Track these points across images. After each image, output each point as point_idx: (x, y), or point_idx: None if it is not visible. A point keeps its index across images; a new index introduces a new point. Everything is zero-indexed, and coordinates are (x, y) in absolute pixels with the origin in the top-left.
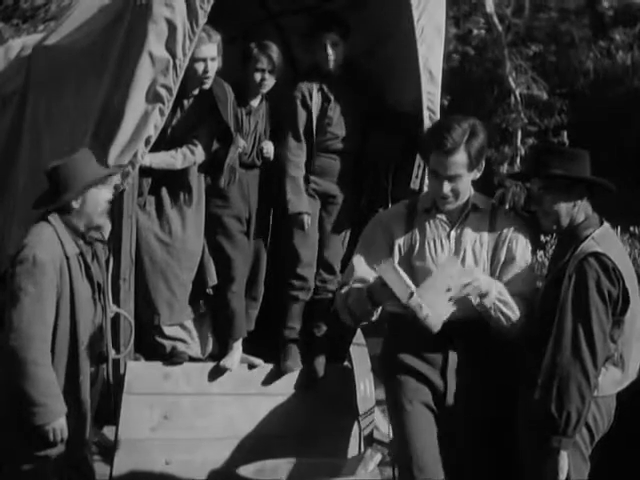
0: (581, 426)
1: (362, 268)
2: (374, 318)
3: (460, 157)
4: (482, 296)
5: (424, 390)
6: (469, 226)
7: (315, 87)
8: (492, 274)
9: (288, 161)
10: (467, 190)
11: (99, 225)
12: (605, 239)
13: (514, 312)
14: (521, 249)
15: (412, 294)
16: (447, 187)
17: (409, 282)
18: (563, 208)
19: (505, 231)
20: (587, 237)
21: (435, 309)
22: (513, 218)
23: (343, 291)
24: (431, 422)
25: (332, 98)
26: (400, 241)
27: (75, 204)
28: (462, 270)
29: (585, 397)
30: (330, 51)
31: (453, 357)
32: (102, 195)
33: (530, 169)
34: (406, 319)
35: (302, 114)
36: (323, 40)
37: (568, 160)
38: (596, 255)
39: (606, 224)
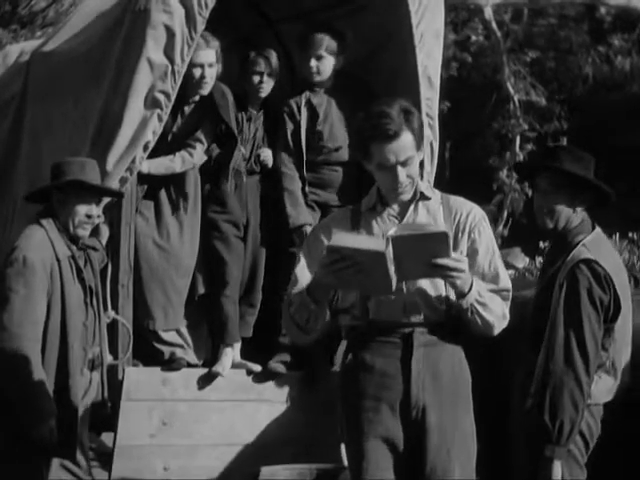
0: (575, 435)
1: (305, 276)
2: (319, 326)
3: (406, 138)
4: (460, 296)
5: (383, 420)
6: (420, 217)
7: (303, 100)
8: None
9: (283, 175)
10: (417, 174)
11: (78, 236)
12: (596, 245)
13: (492, 314)
14: (486, 239)
15: (388, 240)
16: (403, 174)
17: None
18: (565, 210)
19: (464, 219)
20: (578, 243)
21: (402, 269)
22: (470, 205)
23: (286, 302)
24: (387, 458)
25: (321, 111)
26: None
27: (57, 204)
28: (447, 251)
29: (578, 406)
30: (313, 64)
31: (416, 370)
32: (81, 207)
33: (541, 163)
34: (363, 331)
35: (290, 128)
36: (308, 52)
37: (581, 163)
38: (587, 262)
39: (598, 229)
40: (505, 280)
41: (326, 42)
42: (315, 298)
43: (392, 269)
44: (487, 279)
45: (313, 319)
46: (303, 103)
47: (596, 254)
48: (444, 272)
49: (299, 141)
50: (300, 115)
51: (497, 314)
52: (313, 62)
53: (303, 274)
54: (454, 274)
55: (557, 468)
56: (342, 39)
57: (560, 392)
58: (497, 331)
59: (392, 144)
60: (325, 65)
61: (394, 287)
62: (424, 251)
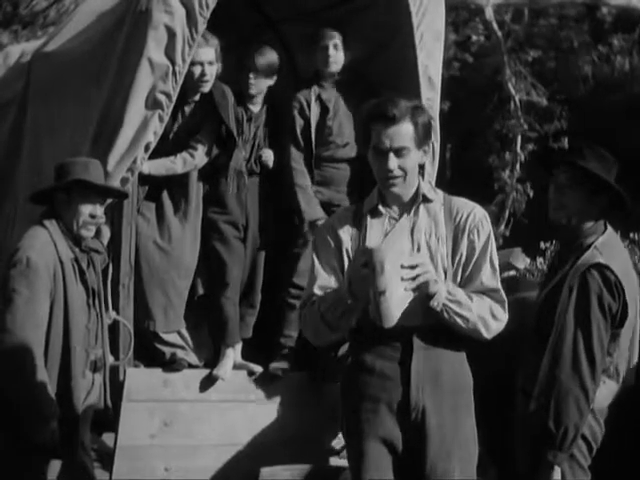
0: (577, 441)
1: (321, 274)
2: (350, 324)
3: (406, 128)
4: (429, 297)
5: (383, 421)
6: (421, 219)
7: (313, 96)
8: (455, 271)
9: (294, 170)
10: (415, 173)
11: (82, 237)
12: (608, 247)
13: (472, 312)
14: (484, 239)
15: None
16: (393, 161)
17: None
18: (578, 208)
19: (464, 220)
20: (590, 245)
21: (392, 290)
22: (472, 206)
23: (314, 301)
24: (387, 459)
25: (331, 107)
26: (348, 245)
27: (60, 205)
28: (410, 252)
29: (583, 412)
30: (331, 52)
31: (416, 372)
32: (85, 207)
33: (564, 156)
34: (364, 333)
35: (300, 124)
36: (324, 41)
37: (604, 164)
38: (599, 267)
39: (609, 230)
40: (493, 281)
41: (337, 34)
42: (353, 293)
43: (379, 287)
44: (480, 280)
45: (347, 315)
46: (313, 99)
47: (607, 258)
48: (419, 278)
49: (309, 137)
50: (310, 111)
51: (480, 313)
52: (332, 51)
53: (319, 273)
54: (418, 271)
55: (557, 473)
56: (347, 35)
57: (566, 398)
58: (486, 331)
59: (389, 128)
60: (340, 55)
61: (385, 317)
62: (394, 259)
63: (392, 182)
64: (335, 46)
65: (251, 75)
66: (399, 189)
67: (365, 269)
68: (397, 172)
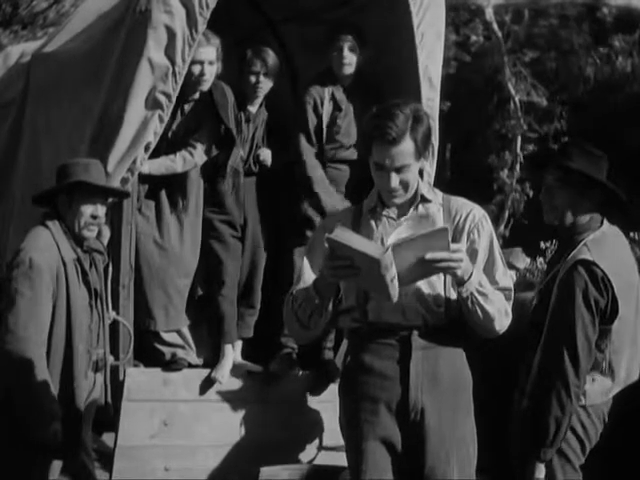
0: (562, 437)
1: (309, 274)
2: (320, 324)
3: (406, 146)
4: (460, 283)
5: (382, 421)
6: (419, 219)
7: (327, 94)
8: None
9: (307, 165)
10: (415, 180)
11: (85, 237)
12: (599, 244)
13: (493, 307)
14: (485, 239)
15: (388, 249)
16: (395, 180)
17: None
18: (570, 207)
19: (463, 220)
20: (580, 242)
21: (400, 276)
22: (471, 206)
23: (289, 298)
24: (386, 459)
25: (343, 107)
26: None
27: (62, 206)
28: (447, 247)
29: (565, 407)
30: (346, 54)
31: (415, 372)
32: (86, 207)
33: (551, 157)
34: (363, 333)
35: (313, 120)
36: (340, 43)
37: (591, 160)
38: (585, 263)
39: (605, 227)
40: (506, 280)
41: (357, 37)
42: (320, 293)
43: (390, 277)
44: (494, 278)
45: (316, 315)
46: (327, 97)
47: (596, 254)
48: (442, 265)
49: (320, 134)
50: (323, 108)
51: (499, 308)
52: (346, 52)
53: (307, 273)
54: (452, 265)
55: (540, 470)
56: (362, 35)
57: (547, 394)
58: (499, 327)
59: (390, 149)
60: (354, 58)
61: (393, 294)
62: (425, 251)
63: (394, 195)
64: (351, 49)
65: (261, 79)
66: (400, 200)
67: (331, 261)
68: (398, 187)
